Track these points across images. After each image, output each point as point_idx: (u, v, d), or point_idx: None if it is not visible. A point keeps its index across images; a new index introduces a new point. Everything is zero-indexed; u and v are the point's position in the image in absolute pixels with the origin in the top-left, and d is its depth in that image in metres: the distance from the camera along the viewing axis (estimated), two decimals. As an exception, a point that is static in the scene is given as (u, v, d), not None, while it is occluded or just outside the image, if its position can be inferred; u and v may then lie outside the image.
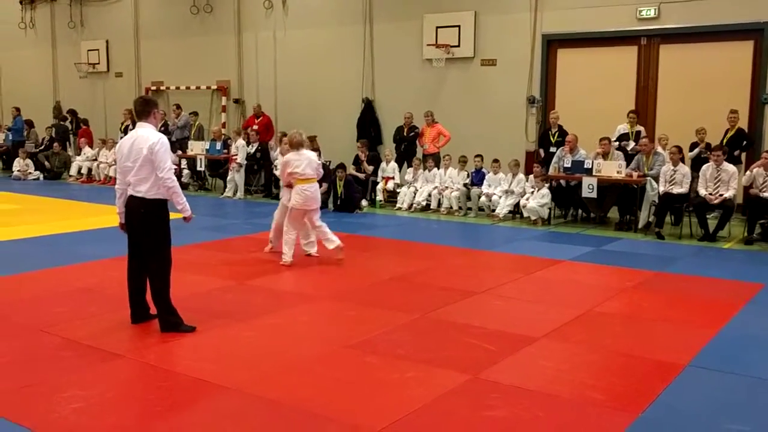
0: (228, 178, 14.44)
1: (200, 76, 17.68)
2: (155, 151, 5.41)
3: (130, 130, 16.14)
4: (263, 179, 14.80)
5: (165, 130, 16.65)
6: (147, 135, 5.51)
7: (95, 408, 4.20)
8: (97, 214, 11.63)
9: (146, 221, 5.52)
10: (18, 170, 17.23)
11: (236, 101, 17.33)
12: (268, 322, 5.96)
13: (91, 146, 17.57)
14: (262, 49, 16.93)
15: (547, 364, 5.06)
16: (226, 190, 14.42)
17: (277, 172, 8.33)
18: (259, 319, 6.03)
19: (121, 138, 16.53)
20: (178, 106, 16.91)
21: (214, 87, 17.55)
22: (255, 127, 15.20)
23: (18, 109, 19.24)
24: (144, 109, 5.68)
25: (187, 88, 17.91)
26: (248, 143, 14.64)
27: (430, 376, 4.75)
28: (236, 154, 14.27)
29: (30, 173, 17.27)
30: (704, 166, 10.41)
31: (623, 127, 11.98)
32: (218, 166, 15.13)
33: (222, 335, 5.58)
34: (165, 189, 5.45)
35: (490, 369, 4.89)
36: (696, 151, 11.22)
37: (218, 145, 14.95)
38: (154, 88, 18.64)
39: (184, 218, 5.65)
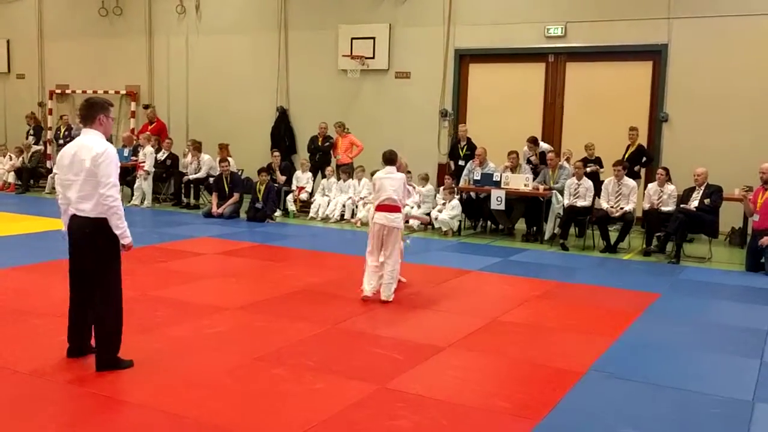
0: (135, 185, 14.04)
1: (109, 80, 17.16)
2: (98, 164, 4.71)
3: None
4: (173, 187, 14.46)
5: (68, 134, 16.08)
6: (91, 144, 4.80)
7: (-16, 426, 4.00)
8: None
9: (94, 243, 4.80)
10: None
11: (146, 107, 16.88)
12: (174, 335, 5.81)
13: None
14: (174, 54, 16.59)
15: (453, 373, 5.14)
16: (133, 198, 14.01)
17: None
18: (164, 331, 5.87)
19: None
20: (83, 110, 16.32)
21: (124, 92, 17.07)
22: (147, 133, 14.86)
23: None
24: (88, 113, 4.94)
25: (95, 92, 17.26)
26: (158, 150, 14.30)
27: (338, 388, 4.74)
28: (144, 162, 13.90)
29: None
30: (606, 180, 10.85)
31: None
32: (125, 174, 14.64)
33: (124, 348, 5.40)
34: (105, 208, 4.73)
35: (397, 379, 4.93)
36: (589, 170, 11.56)
37: (126, 152, 14.51)
38: (59, 91, 17.98)
39: (123, 245, 4.86)
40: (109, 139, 5.02)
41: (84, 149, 4.80)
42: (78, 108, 5.10)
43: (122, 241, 4.84)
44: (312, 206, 13.08)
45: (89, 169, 4.73)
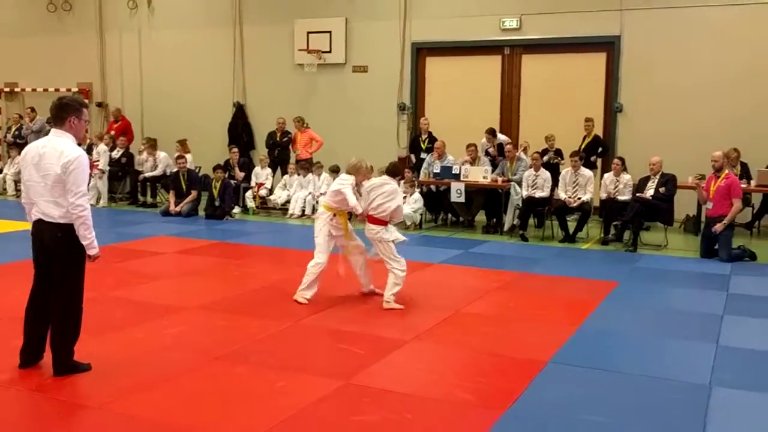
0: (90, 185, 13.69)
1: (60, 77, 16.76)
2: (69, 172, 4.49)
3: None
4: (129, 186, 14.20)
5: (19, 134, 15.68)
6: (62, 149, 4.54)
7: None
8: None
9: (65, 249, 4.63)
10: None
11: (99, 104, 16.56)
12: (132, 336, 5.70)
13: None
14: (126, 50, 16.29)
15: (417, 366, 5.15)
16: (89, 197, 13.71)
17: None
18: (122, 333, 5.76)
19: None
20: (33, 110, 15.92)
21: (75, 89, 16.67)
22: (112, 132, 14.58)
23: None
24: (58, 114, 4.66)
25: (45, 90, 16.92)
26: (113, 148, 14.03)
27: (302, 384, 4.70)
28: (98, 160, 13.62)
29: None
30: (563, 171, 10.97)
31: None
32: (79, 173, 14.35)
33: (82, 351, 5.28)
34: (74, 217, 4.54)
35: (361, 374, 4.91)
36: (546, 158, 11.73)
37: (79, 151, 14.18)
38: (7, 89, 17.52)
39: (89, 256, 4.71)
40: None
41: (53, 153, 4.56)
42: (49, 107, 4.85)
43: (89, 252, 4.68)
44: (272, 197, 13.00)
45: (59, 175, 4.53)
